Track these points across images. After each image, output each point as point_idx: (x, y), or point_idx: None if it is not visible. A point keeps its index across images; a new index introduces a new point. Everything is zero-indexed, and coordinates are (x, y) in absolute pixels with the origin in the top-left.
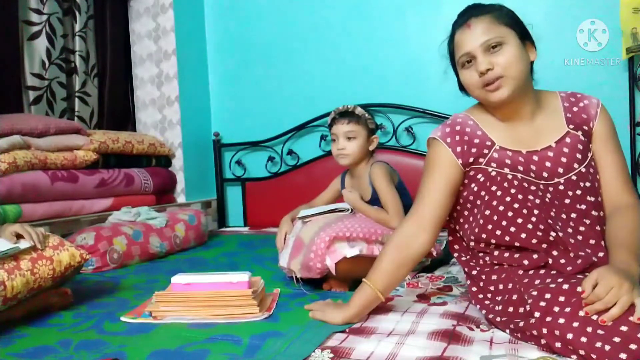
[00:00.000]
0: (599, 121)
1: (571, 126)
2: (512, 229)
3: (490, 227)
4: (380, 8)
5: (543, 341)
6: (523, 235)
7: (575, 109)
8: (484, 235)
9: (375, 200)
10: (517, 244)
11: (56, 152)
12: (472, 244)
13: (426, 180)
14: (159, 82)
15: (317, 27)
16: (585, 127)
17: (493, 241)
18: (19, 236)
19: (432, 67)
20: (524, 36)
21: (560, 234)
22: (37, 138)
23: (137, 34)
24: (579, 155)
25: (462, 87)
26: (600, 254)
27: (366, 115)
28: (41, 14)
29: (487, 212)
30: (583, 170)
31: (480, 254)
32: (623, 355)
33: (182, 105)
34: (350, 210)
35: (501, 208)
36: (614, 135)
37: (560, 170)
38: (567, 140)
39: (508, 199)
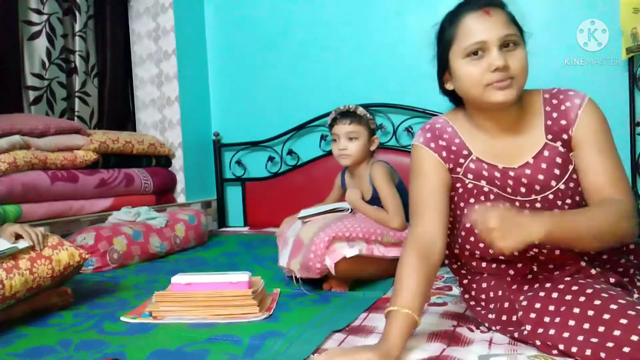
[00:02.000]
0: (579, 125)
1: (549, 136)
2: None
3: (472, 239)
4: (380, 8)
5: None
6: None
7: (555, 114)
8: (467, 247)
9: (375, 200)
10: (501, 257)
11: (56, 152)
12: (456, 251)
13: (419, 186)
14: (159, 82)
15: (317, 27)
16: (565, 136)
17: (477, 253)
18: (18, 236)
19: (432, 67)
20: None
21: (544, 251)
22: (37, 138)
23: (137, 34)
24: (557, 171)
25: (442, 84)
26: (582, 263)
27: (368, 115)
28: (41, 14)
29: (468, 225)
30: (562, 187)
31: (467, 265)
32: None
33: (182, 105)
34: (350, 210)
35: None
36: (601, 136)
37: (537, 187)
38: (545, 153)
39: None
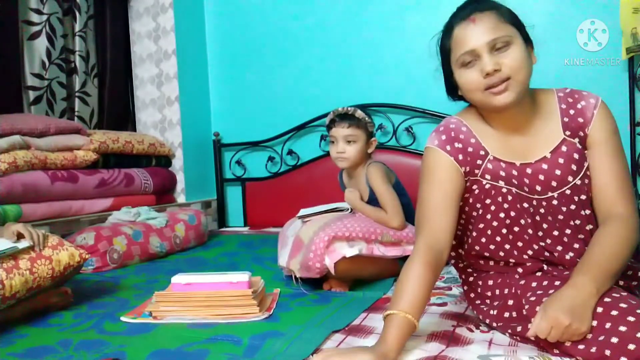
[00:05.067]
0: (594, 125)
1: (567, 132)
2: (507, 246)
3: (484, 240)
4: (380, 8)
5: (541, 343)
6: (515, 252)
7: (572, 111)
8: (477, 247)
9: (373, 201)
10: (511, 260)
11: (56, 152)
12: (461, 251)
13: (431, 192)
14: (159, 82)
15: (317, 27)
16: (581, 133)
17: (486, 254)
18: (20, 235)
19: (432, 67)
20: (526, 38)
21: (555, 255)
22: (37, 138)
23: (137, 34)
24: (574, 167)
25: (450, 91)
26: None
27: (366, 118)
28: (41, 14)
29: (481, 226)
30: (578, 182)
31: (474, 264)
32: (623, 359)
33: (182, 105)
34: (349, 210)
35: (495, 223)
36: (613, 138)
37: (554, 184)
38: (563, 149)
39: (502, 214)
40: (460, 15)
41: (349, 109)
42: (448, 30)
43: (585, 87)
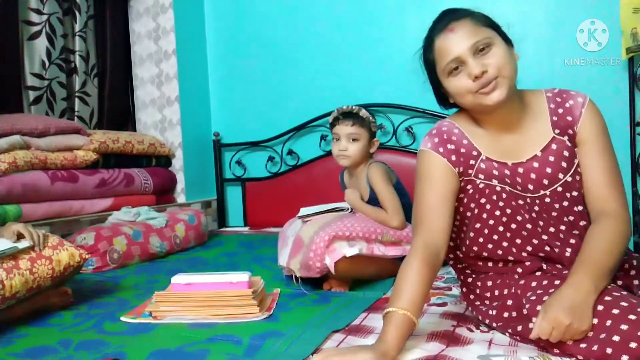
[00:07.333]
0: (583, 123)
1: (557, 131)
2: (505, 244)
3: (481, 240)
4: (380, 7)
5: (541, 343)
6: (514, 250)
7: (560, 110)
8: (475, 248)
9: (374, 201)
10: (510, 258)
11: (56, 152)
12: (459, 253)
13: (426, 193)
14: (159, 82)
15: (317, 26)
16: (570, 131)
17: (485, 254)
18: (20, 235)
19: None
20: (505, 38)
21: (555, 250)
22: (37, 138)
23: (137, 34)
24: (564, 164)
25: (441, 101)
26: None
27: (370, 118)
28: (41, 14)
29: (478, 226)
30: (569, 179)
31: (473, 265)
32: (625, 357)
33: (182, 105)
34: (349, 210)
35: (491, 222)
36: (602, 136)
37: (545, 182)
38: (553, 147)
39: (498, 212)
40: (438, 28)
41: (354, 107)
42: (429, 44)
43: (585, 87)
